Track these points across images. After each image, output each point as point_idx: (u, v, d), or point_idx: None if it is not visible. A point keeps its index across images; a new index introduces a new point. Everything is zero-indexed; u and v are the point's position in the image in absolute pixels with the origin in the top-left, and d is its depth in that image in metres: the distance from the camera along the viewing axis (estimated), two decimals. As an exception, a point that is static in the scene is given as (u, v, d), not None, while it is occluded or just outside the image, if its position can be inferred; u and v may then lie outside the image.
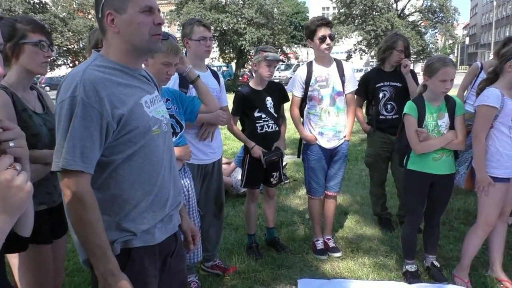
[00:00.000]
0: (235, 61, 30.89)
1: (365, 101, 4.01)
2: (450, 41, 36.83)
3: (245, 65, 30.29)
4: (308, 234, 3.89)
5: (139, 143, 1.45)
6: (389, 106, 3.73)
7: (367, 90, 3.85)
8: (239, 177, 4.86)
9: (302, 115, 3.44)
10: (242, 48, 27.53)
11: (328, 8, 45.78)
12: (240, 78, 29.35)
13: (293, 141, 7.69)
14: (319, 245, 3.55)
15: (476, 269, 3.13)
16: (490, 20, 51.05)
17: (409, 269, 3.07)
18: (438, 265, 3.14)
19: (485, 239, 2.98)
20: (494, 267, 3.05)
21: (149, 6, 1.44)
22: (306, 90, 3.31)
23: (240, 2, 27.62)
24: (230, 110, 3.33)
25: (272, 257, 3.46)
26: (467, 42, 69.78)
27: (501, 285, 2.96)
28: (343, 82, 3.31)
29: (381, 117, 3.77)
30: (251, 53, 30.33)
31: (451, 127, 2.82)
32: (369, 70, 4.65)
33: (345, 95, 3.37)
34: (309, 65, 3.35)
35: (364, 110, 4.16)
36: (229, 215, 4.39)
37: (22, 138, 0.92)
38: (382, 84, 3.74)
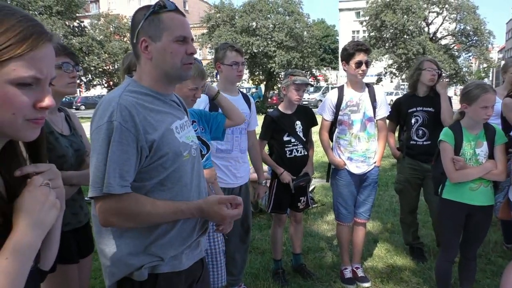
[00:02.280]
0: (265, 83, 31.23)
1: (398, 127, 3.94)
2: (485, 65, 35.96)
3: (274, 87, 30.55)
4: (336, 261, 3.79)
5: (170, 169, 1.45)
6: (420, 132, 3.63)
7: (399, 115, 3.78)
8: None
9: (331, 139, 3.40)
10: (271, 70, 27.83)
11: (358, 31, 45.74)
12: (269, 100, 29.58)
13: (322, 164, 7.62)
14: (348, 273, 3.44)
15: (516, 306, 2.94)
16: (527, 44, 49.67)
17: (443, 303, 2.92)
18: (474, 301, 2.98)
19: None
20: (536, 305, 2.86)
21: (183, 36, 1.47)
22: (336, 114, 3.27)
23: (271, 25, 28.09)
24: (258, 134, 3.33)
25: (299, 284, 3.38)
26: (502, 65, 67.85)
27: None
28: (374, 108, 3.26)
29: (411, 142, 3.68)
30: (280, 75, 30.61)
31: (490, 156, 2.70)
32: (399, 93, 4.58)
33: (376, 120, 3.31)
34: (341, 89, 3.32)
35: (396, 135, 4.08)
36: (256, 238, 4.34)
37: (58, 178, 0.94)
38: (414, 109, 3.66)
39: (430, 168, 3.10)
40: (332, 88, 35.68)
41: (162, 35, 1.44)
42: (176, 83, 1.64)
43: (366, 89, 3.29)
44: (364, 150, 3.24)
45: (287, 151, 3.27)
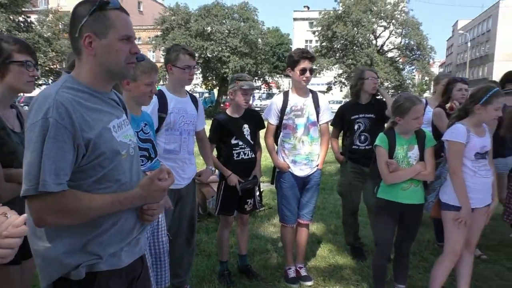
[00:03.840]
0: (218, 88, 31.20)
1: (342, 133, 4.15)
2: (427, 78, 38.08)
3: (227, 93, 30.57)
4: (281, 262, 3.89)
5: (107, 168, 1.45)
6: (362, 137, 3.84)
7: (343, 122, 3.99)
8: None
9: (276, 142, 3.50)
10: (225, 75, 27.87)
11: (311, 41, 46.96)
12: (222, 105, 29.57)
13: (270, 168, 7.75)
14: (291, 273, 3.55)
15: (444, 299, 3.17)
16: (465, 60, 53.19)
17: (379, 298, 3.09)
18: (408, 295, 3.18)
19: (452, 270, 3.04)
20: (462, 298, 3.11)
21: (128, 35, 1.49)
22: (281, 119, 3.38)
23: (226, 31, 28.17)
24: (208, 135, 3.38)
25: (244, 285, 3.44)
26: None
27: (468, 315, 3.00)
28: (317, 113, 3.41)
29: (354, 147, 3.87)
30: (233, 81, 30.71)
31: (421, 158, 2.93)
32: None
33: (319, 125, 3.46)
34: (286, 94, 3.44)
35: (340, 141, 4.28)
36: (203, 241, 4.36)
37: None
38: (357, 116, 3.87)
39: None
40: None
41: (108, 32, 1.45)
42: (116, 81, 1.65)
43: (310, 95, 3.43)
44: (307, 153, 3.38)
45: (235, 154, 3.34)
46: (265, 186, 6.51)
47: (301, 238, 3.63)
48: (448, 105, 3.71)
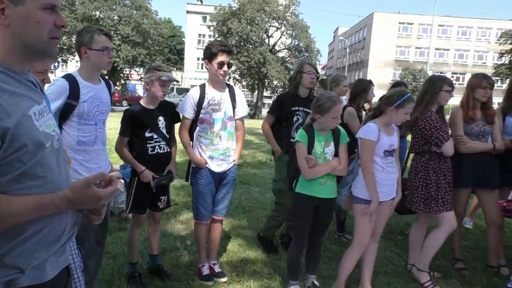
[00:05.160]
0: (107, 78, 29.28)
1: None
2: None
3: (118, 83, 28.92)
4: (193, 259, 3.79)
5: (28, 163, 1.22)
6: None
7: (281, 111, 3.95)
8: (122, 198, 4.54)
9: (191, 137, 3.38)
10: (115, 65, 26.28)
11: (204, 35, 46.82)
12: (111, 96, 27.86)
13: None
14: (205, 270, 3.47)
15: (349, 286, 3.39)
16: (344, 64, 58.33)
17: (293, 289, 3.19)
18: (318, 284, 3.33)
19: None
20: (365, 283, 3.36)
21: (52, 4, 1.26)
22: (198, 113, 3.27)
23: (116, 18, 26.54)
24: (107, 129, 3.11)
25: (156, 286, 3.27)
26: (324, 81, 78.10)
27: (370, 300, 3.26)
28: (234, 107, 3.37)
29: (291, 140, 3.75)
30: (124, 71, 29.17)
31: (336, 154, 3.08)
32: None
33: (235, 120, 3.42)
34: (202, 87, 3.32)
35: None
36: (106, 242, 4.02)
37: None
38: (297, 108, 3.89)
39: None
40: (177, 89, 35.82)
41: None
42: (35, 60, 1.40)
43: (227, 89, 3.38)
44: (225, 148, 3.32)
45: (149, 148, 3.13)
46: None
47: (215, 234, 3.57)
48: (367, 106, 4.01)
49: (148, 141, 3.13)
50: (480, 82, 3.70)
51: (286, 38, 32.54)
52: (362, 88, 4.48)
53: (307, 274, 3.36)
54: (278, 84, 31.71)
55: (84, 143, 2.62)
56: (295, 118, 3.89)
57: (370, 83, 4.70)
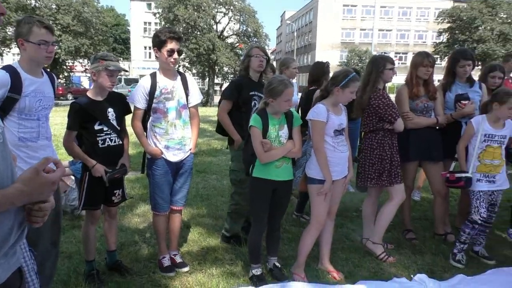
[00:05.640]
0: (49, 70, 27.73)
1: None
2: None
3: (61, 76, 27.52)
4: (153, 252, 3.73)
5: None
6: None
7: (239, 96, 3.79)
8: (74, 195, 4.37)
9: (145, 128, 3.30)
10: (56, 57, 24.92)
11: (150, 23, 45.44)
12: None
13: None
14: (166, 262, 3.43)
15: (309, 264, 3.49)
16: (292, 48, 58.90)
17: (255, 273, 3.24)
18: (279, 266, 3.40)
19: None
20: (323, 260, 3.49)
21: None
22: (150, 102, 3.19)
23: (54, 6, 25.09)
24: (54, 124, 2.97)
25: (116, 282, 3.19)
26: (275, 65, 78.80)
27: (329, 276, 3.38)
28: (187, 95, 3.32)
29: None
30: (67, 63, 27.77)
31: (290, 137, 3.13)
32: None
33: (189, 108, 3.37)
34: (153, 76, 3.24)
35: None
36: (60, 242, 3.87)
37: None
38: (254, 93, 3.81)
39: None
40: (125, 79, 34.66)
41: None
42: None
43: (179, 77, 3.32)
44: (181, 137, 3.27)
45: (100, 141, 3.02)
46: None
47: (175, 224, 3.53)
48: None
49: (98, 134, 3.02)
50: (422, 60, 3.89)
51: (234, 23, 32.32)
52: (322, 70, 4.58)
53: (268, 256, 3.41)
54: (229, 71, 31.53)
55: (26, 139, 2.49)
56: (252, 103, 3.81)
57: (327, 65, 4.81)
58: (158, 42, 3.15)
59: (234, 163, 3.92)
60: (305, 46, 58.73)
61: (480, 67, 34.85)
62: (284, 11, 71.24)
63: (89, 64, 3.13)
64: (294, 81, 5.49)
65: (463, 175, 3.62)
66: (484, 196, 3.61)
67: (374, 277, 3.37)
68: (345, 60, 46.63)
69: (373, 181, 3.66)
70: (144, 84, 3.20)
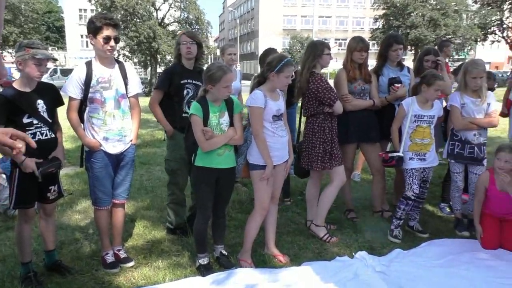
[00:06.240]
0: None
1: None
2: (206, 52, 40.42)
3: (15, 62, 25.53)
4: (95, 249, 3.61)
5: None
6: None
7: (170, 85, 3.73)
8: (5, 194, 4.12)
9: (81, 120, 3.15)
10: (-20, 47, 23.08)
11: (85, 10, 43.14)
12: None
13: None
14: (110, 258, 3.33)
15: (256, 250, 3.54)
16: (235, 35, 58.61)
17: (202, 262, 3.23)
18: (226, 253, 3.42)
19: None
20: (269, 245, 3.55)
21: None
22: (86, 92, 3.04)
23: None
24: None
25: (57, 283, 3.06)
26: (218, 53, 78.22)
27: (276, 260, 3.45)
28: (126, 85, 3.20)
29: (184, 115, 3.63)
30: (-7, 54, 25.78)
31: (231, 124, 3.12)
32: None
33: (129, 98, 3.26)
34: (88, 64, 3.09)
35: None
36: (-9, 245, 3.64)
37: None
38: (186, 81, 3.72)
39: None
40: (61, 70, 32.76)
41: None
42: None
43: (116, 65, 3.19)
44: (120, 128, 3.16)
45: (30, 135, 2.82)
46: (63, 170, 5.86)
47: (118, 219, 3.42)
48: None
49: (28, 128, 2.82)
50: (356, 45, 4.03)
51: (175, 10, 31.53)
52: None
53: (215, 245, 3.42)
54: (172, 60, 30.75)
55: None
56: (185, 92, 3.74)
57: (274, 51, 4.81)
58: (93, 29, 3.01)
59: (168, 152, 3.93)
60: (248, 33, 58.68)
61: (413, 51, 36.76)
62: (226, -2, 70.56)
63: (15, 52, 2.91)
64: (238, 68, 5.47)
65: (395, 154, 3.83)
66: (416, 174, 3.84)
67: (318, 258, 3.49)
68: (288, 47, 47.19)
69: (317, 164, 3.75)
70: (79, 73, 3.05)
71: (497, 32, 36.15)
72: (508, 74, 8.89)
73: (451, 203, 4.27)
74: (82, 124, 3.15)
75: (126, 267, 3.32)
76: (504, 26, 35.53)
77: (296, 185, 5.36)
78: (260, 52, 5.05)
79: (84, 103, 3.09)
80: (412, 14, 35.24)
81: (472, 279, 3.11)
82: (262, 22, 52.82)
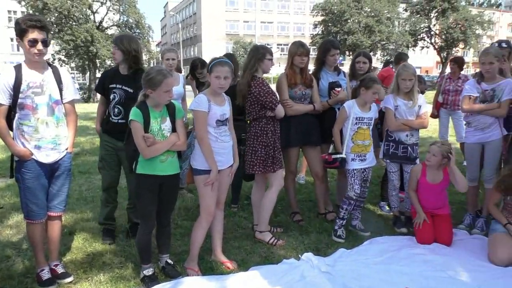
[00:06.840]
0: None
1: None
2: (147, 56, 39.51)
3: None
4: (29, 266, 3.37)
5: None
6: (116, 110, 3.68)
7: (104, 88, 3.80)
8: None
9: (10, 127, 2.93)
10: None
11: (15, 12, 40.54)
12: None
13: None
14: (45, 275, 3.12)
15: (203, 257, 3.48)
16: (178, 40, 57.88)
17: (147, 273, 3.12)
18: (172, 263, 3.33)
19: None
20: (216, 252, 3.50)
21: None
22: (15, 97, 2.84)
23: None
24: None
25: (-15, 305, 2.81)
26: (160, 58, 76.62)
27: (224, 266, 3.41)
28: (60, 90, 3.03)
29: (110, 119, 3.72)
30: None
31: (173, 130, 3.05)
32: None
33: (64, 104, 3.09)
34: (18, 68, 2.89)
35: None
36: None
37: None
38: (115, 85, 3.68)
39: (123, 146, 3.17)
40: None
41: None
42: None
43: (50, 69, 3.01)
44: (54, 136, 2.98)
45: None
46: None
47: (54, 232, 3.22)
48: None
49: None
50: (296, 49, 4.12)
51: (114, 13, 30.57)
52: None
53: (160, 254, 3.32)
54: (112, 64, 29.79)
55: None
56: (111, 96, 3.71)
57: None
58: (19, 31, 2.83)
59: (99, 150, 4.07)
60: (191, 38, 58.16)
61: (350, 57, 38.39)
62: (167, 2, 69.57)
63: None
64: (181, 74, 5.40)
65: (338, 156, 3.95)
66: (357, 174, 3.98)
67: (265, 262, 3.50)
68: (231, 52, 47.31)
69: (259, 168, 3.77)
70: (7, 77, 2.84)
71: (425, 38, 38.76)
72: (437, 78, 9.56)
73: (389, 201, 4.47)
74: (11, 132, 2.94)
75: (64, 283, 3.13)
76: (432, 32, 38.18)
77: (242, 190, 5.34)
78: (204, 57, 5.03)
79: (13, 110, 2.88)
80: (349, 20, 36.81)
81: (411, 274, 3.26)
82: (204, 27, 52.62)
